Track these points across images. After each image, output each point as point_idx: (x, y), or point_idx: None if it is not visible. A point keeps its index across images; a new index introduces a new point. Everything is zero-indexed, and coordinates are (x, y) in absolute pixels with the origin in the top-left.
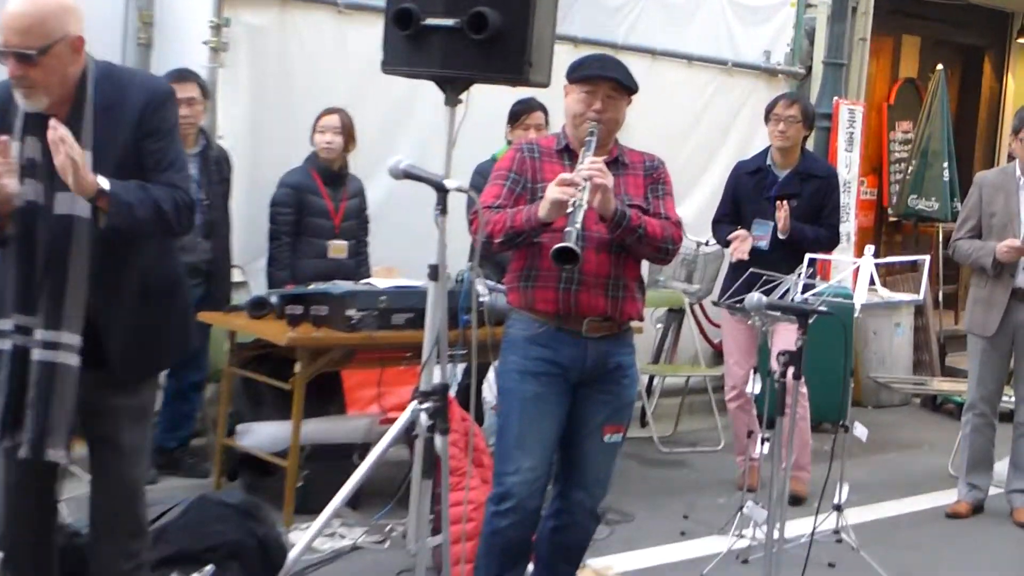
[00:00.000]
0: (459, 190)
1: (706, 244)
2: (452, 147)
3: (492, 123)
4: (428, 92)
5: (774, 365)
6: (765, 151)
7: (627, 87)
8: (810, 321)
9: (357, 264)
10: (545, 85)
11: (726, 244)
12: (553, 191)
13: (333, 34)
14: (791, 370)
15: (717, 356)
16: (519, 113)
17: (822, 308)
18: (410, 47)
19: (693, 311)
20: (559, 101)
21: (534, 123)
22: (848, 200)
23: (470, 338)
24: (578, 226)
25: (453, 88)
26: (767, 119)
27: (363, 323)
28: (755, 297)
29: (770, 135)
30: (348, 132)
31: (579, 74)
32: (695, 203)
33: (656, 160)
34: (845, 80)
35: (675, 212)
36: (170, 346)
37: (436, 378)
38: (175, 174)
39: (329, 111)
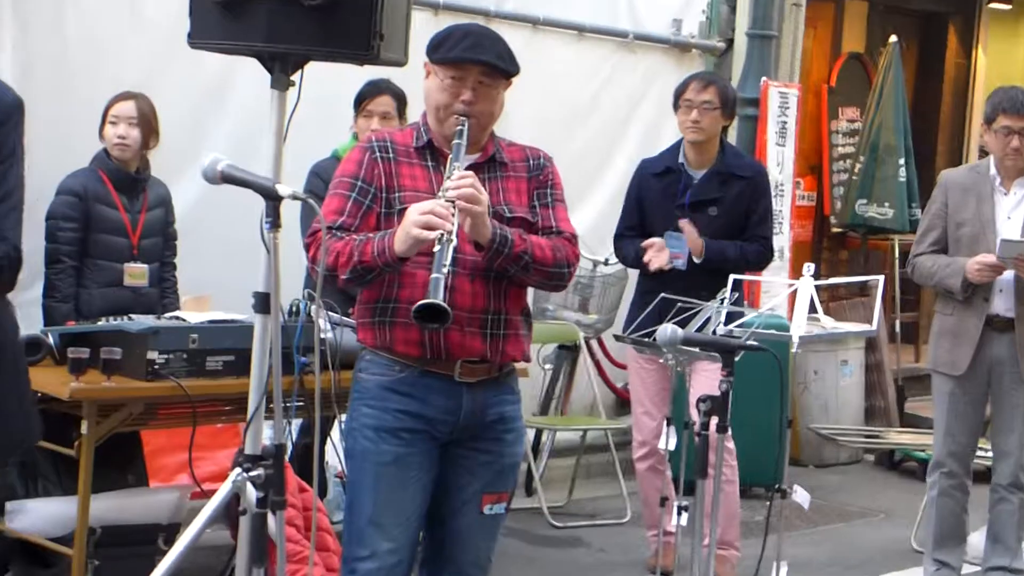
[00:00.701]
0: (295, 197)
1: (605, 264)
2: (281, 141)
3: (333, 110)
4: (249, 71)
5: (693, 414)
6: (676, 146)
7: (504, 71)
8: (736, 358)
9: (162, 293)
10: (400, 63)
11: (633, 263)
12: (413, 228)
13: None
14: (714, 420)
15: (622, 404)
16: (361, 98)
17: (751, 342)
18: (225, 16)
19: (590, 348)
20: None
21: (379, 110)
22: (781, 207)
23: (310, 386)
24: (446, 270)
25: (282, 67)
26: (676, 106)
27: (168, 369)
28: (668, 329)
29: (681, 126)
30: (148, 123)
31: (443, 55)
32: (589, 211)
33: (542, 156)
34: (775, 56)
35: (569, 224)
36: None
37: (266, 438)
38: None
39: (123, 96)
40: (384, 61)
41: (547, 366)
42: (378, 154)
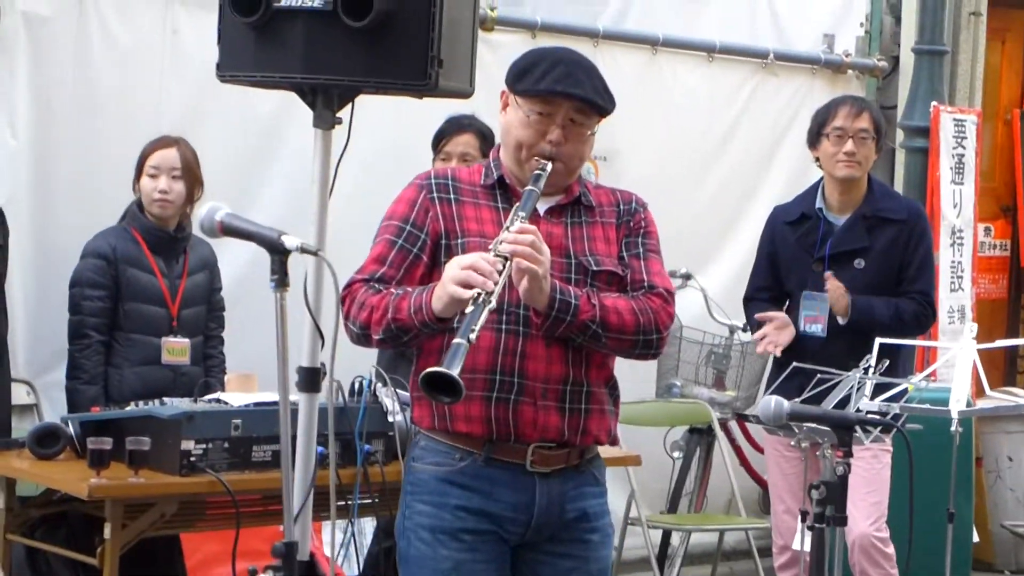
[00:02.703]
0: (304, 250)
1: (744, 330)
2: (327, 190)
3: (405, 154)
4: (307, 109)
5: (807, 504)
6: (813, 189)
7: (600, 107)
8: (859, 434)
9: (206, 372)
10: (465, 94)
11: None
12: (449, 284)
13: (157, 24)
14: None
15: (768, 499)
16: (439, 137)
17: (874, 416)
18: (259, 42)
19: (728, 431)
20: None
21: (458, 151)
22: (960, 257)
23: (375, 478)
24: (474, 336)
25: (325, 101)
26: (817, 137)
27: (207, 461)
28: (771, 402)
29: (827, 161)
30: (193, 174)
31: (529, 86)
32: (725, 267)
33: (635, 201)
34: (950, 76)
35: (664, 278)
36: None
37: (291, 533)
38: None
39: (163, 143)
40: (444, 92)
41: (676, 454)
42: (436, 193)
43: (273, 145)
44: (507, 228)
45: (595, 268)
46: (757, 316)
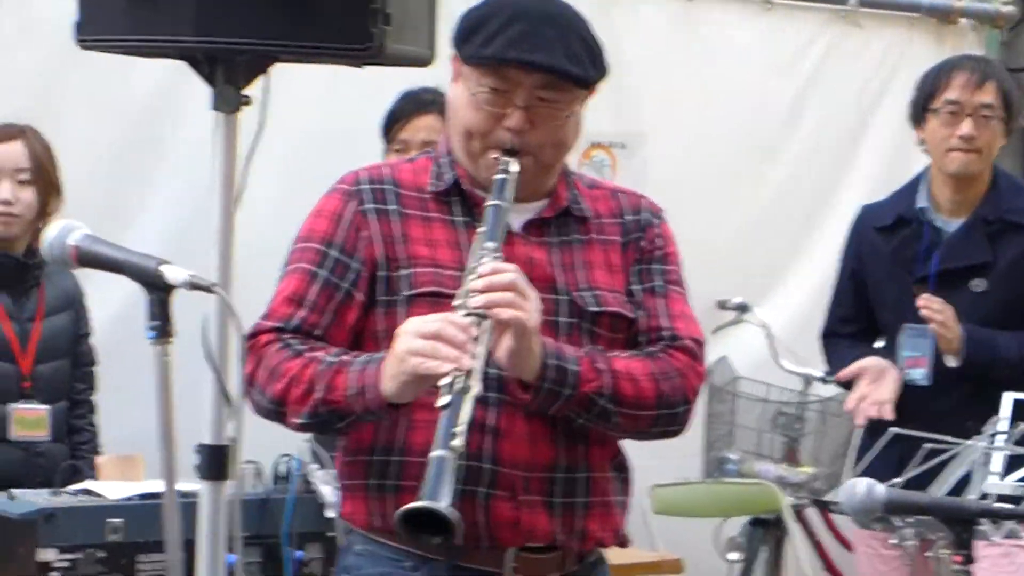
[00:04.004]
0: (195, 285)
1: (824, 381)
2: (232, 198)
3: (343, 144)
4: (200, 88)
5: None
6: (914, 184)
7: (579, 78)
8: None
9: (72, 451)
10: (423, 60)
11: (845, 385)
12: (409, 357)
13: None
14: None
15: None
16: (392, 119)
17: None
18: None
19: (804, 520)
20: None
21: (416, 139)
22: None
23: None
24: (459, 442)
25: (227, 75)
26: (921, 113)
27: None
28: (861, 486)
29: (935, 146)
30: (45, 177)
31: (474, 51)
32: (795, 296)
33: (645, 208)
34: None
35: (690, 321)
36: None
37: None
38: None
39: (1, 134)
40: (393, 59)
41: (733, 556)
42: (369, 205)
43: (157, 136)
44: (473, 269)
45: (594, 309)
46: (841, 374)
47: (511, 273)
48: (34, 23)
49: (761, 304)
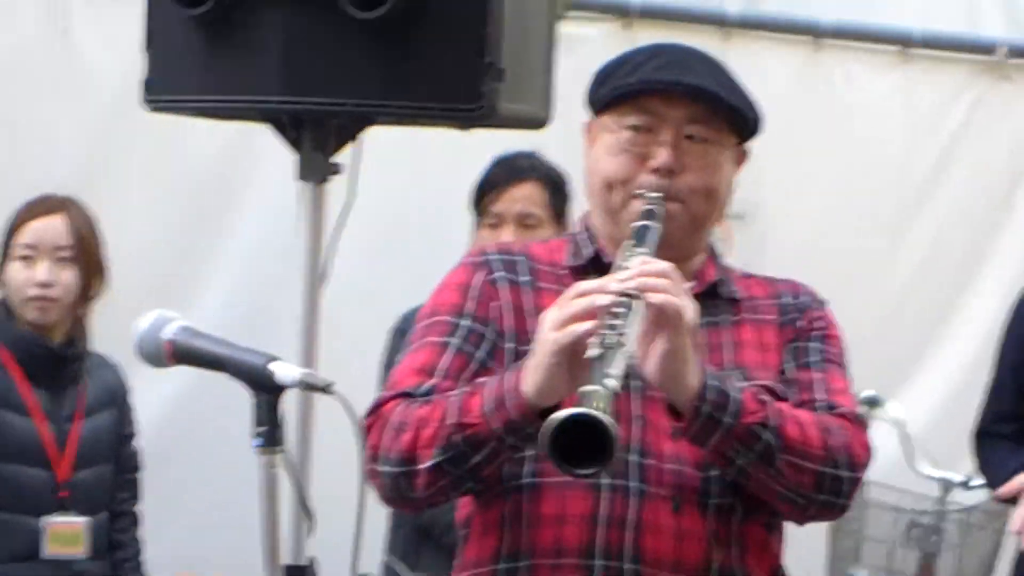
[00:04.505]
0: (310, 387)
1: (966, 487)
2: (317, 276)
3: (427, 217)
4: (275, 151)
5: None
6: None
7: (736, 110)
8: None
9: (112, 567)
10: (538, 122)
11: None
12: (551, 331)
13: (40, 18)
14: None
15: None
16: (485, 189)
17: None
18: (211, 46)
19: None
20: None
21: (513, 212)
22: None
23: None
24: (615, 383)
25: (315, 139)
26: None
27: None
28: None
29: None
30: (89, 255)
31: (617, 87)
32: (934, 389)
33: (805, 293)
34: None
35: (850, 399)
36: None
37: None
38: None
39: (42, 206)
40: (507, 120)
41: None
42: (499, 274)
43: (223, 206)
44: (620, 266)
45: (742, 379)
46: (1003, 491)
47: (666, 264)
48: (79, 74)
49: (894, 398)
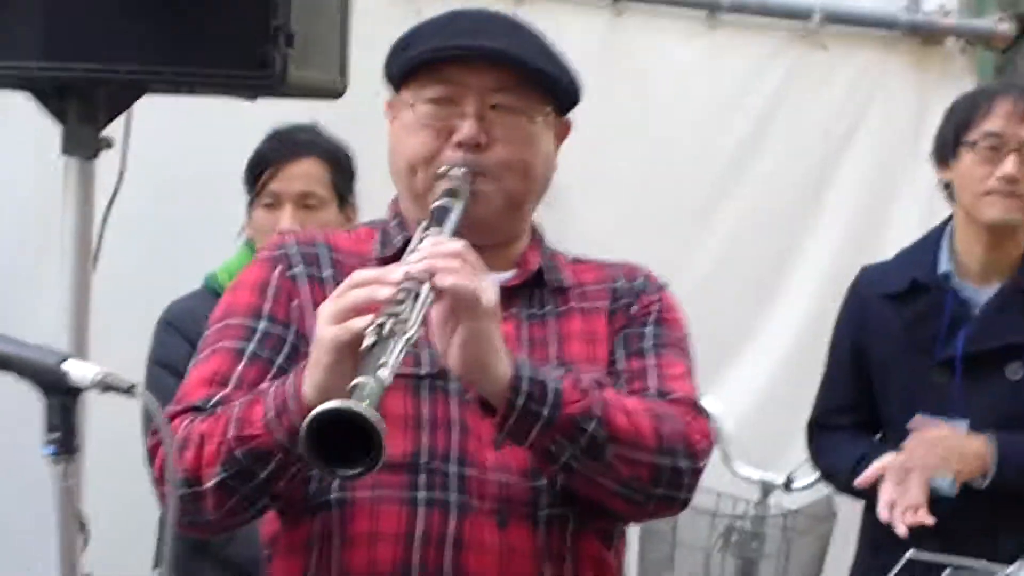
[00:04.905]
0: (110, 386)
1: (787, 488)
2: (88, 261)
3: (197, 196)
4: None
5: None
6: (932, 241)
7: (549, 80)
8: None
9: None
10: (334, 92)
11: (847, 485)
12: (326, 325)
13: None
14: None
15: None
16: (258, 166)
17: None
18: None
19: None
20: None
21: (292, 191)
22: None
23: None
24: (387, 374)
25: (82, 109)
26: (952, 149)
27: None
28: None
29: (967, 190)
30: None
31: (416, 55)
32: (752, 380)
33: (642, 276)
34: None
35: (687, 384)
36: None
37: None
38: None
39: None
40: (297, 89)
41: None
42: (299, 268)
43: None
44: (411, 250)
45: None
46: (863, 477)
47: (459, 244)
48: None
49: (708, 393)
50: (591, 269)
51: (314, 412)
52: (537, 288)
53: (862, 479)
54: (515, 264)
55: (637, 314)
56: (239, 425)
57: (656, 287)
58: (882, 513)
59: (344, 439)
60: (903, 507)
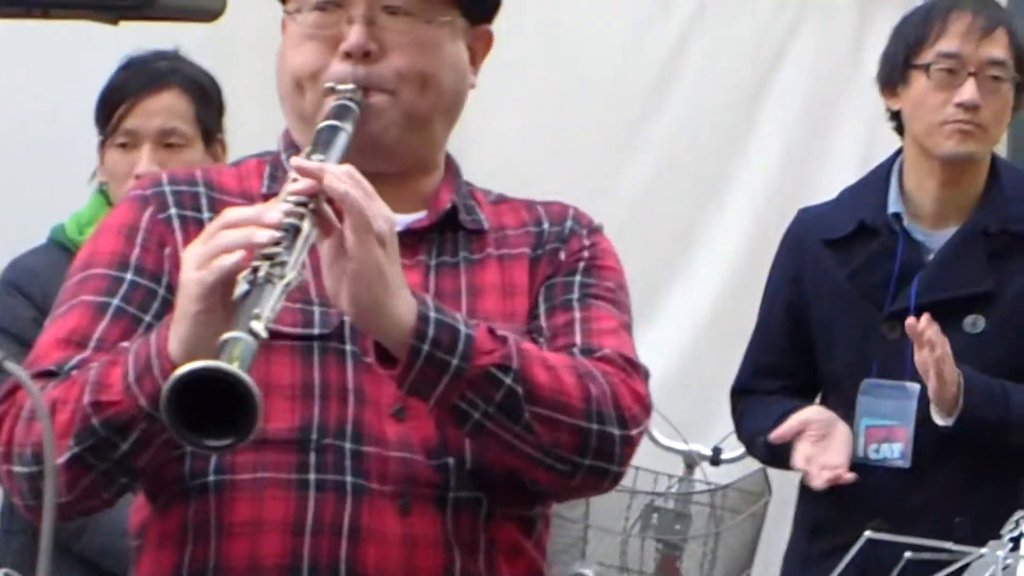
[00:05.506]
0: None
1: (714, 462)
2: None
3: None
4: None
5: None
6: (881, 176)
7: None
8: None
9: None
10: (212, 13)
11: (771, 456)
12: (193, 266)
13: None
14: None
15: None
16: (113, 99)
17: None
18: None
19: None
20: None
21: (151, 129)
22: None
23: None
24: (260, 326)
25: None
26: (902, 72)
27: None
28: None
29: (919, 120)
30: None
31: None
32: (673, 334)
33: (573, 218)
34: None
35: (620, 339)
36: None
37: None
38: None
39: None
40: (168, 9)
41: None
42: (175, 210)
43: None
44: (292, 178)
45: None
46: (780, 431)
47: (347, 167)
48: None
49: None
50: (515, 210)
51: (174, 375)
52: (449, 231)
53: (777, 433)
54: (425, 203)
55: (565, 261)
56: (95, 389)
57: (588, 229)
58: (798, 462)
59: (215, 405)
60: (819, 466)
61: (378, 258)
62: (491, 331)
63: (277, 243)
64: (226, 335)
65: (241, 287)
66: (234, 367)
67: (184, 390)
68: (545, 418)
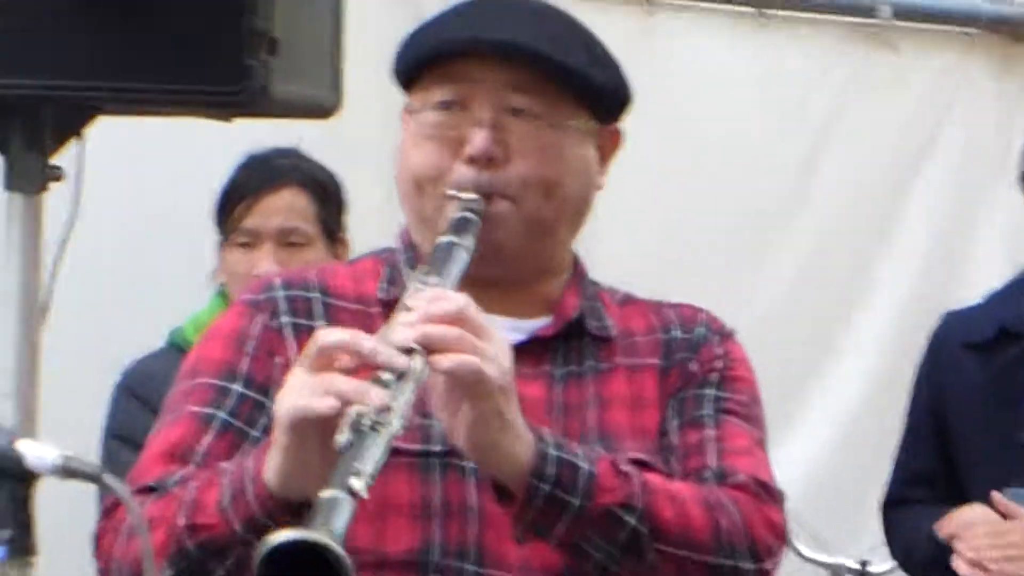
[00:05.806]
0: (72, 471)
1: (863, 570)
2: (41, 313)
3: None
4: None
5: None
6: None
7: (580, 79)
8: None
9: None
10: (327, 109)
11: (929, 568)
12: (290, 401)
13: None
14: None
15: None
16: (233, 197)
17: None
18: None
19: None
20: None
21: (270, 228)
22: None
23: None
24: (361, 484)
25: (28, 135)
26: None
27: None
28: None
29: None
30: None
31: (420, 50)
32: (814, 442)
33: (703, 323)
34: None
35: (756, 460)
36: None
37: None
38: None
39: None
40: (282, 106)
41: None
42: (286, 318)
43: None
44: (405, 305)
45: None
46: (943, 532)
47: (460, 301)
48: None
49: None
50: (642, 313)
51: (266, 542)
52: (575, 339)
53: (943, 532)
54: (550, 308)
55: (697, 372)
56: (191, 510)
57: (720, 337)
58: (959, 567)
59: (309, 562)
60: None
61: (490, 407)
62: (614, 465)
63: (384, 382)
64: (325, 494)
65: (343, 436)
66: (325, 539)
67: (278, 553)
68: (672, 556)
